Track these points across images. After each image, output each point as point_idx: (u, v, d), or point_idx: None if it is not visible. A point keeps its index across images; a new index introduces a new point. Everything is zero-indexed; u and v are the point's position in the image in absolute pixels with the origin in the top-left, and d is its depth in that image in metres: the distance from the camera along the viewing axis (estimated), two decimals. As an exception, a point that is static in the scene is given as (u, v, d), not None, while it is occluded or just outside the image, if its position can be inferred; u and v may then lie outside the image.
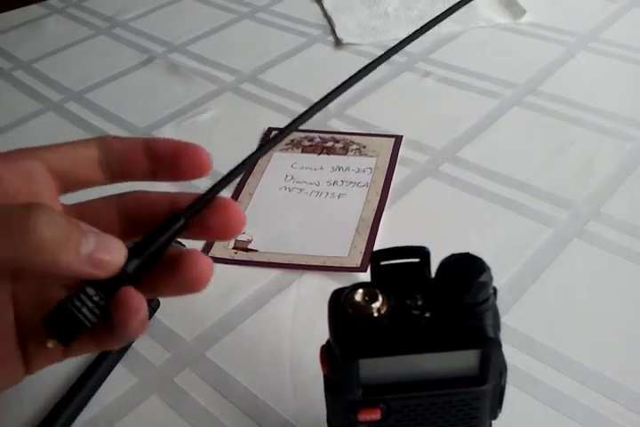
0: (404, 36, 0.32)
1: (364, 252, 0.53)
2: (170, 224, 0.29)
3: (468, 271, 0.28)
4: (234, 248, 0.55)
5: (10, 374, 0.31)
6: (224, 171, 0.29)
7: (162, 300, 0.50)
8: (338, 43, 0.84)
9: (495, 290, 0.30)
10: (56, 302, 0.28)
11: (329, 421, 0.35)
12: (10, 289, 0.30)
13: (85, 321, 0.28)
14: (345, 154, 0.64)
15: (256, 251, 0.55)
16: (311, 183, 0.61)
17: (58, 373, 0.46)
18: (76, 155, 0.31)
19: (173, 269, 0.29)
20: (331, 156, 0.64)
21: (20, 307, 0.31)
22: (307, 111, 0.30)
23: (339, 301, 0.29)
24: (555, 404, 0.42)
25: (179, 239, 0.48)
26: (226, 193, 0.30)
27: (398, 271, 0.31)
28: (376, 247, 0.53)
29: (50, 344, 0.28)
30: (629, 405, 0.42)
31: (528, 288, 0.49)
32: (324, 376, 0.32)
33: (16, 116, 0.75)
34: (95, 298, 0.28)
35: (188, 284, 0.29)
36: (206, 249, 0.55)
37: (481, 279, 0.28)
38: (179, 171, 0.31)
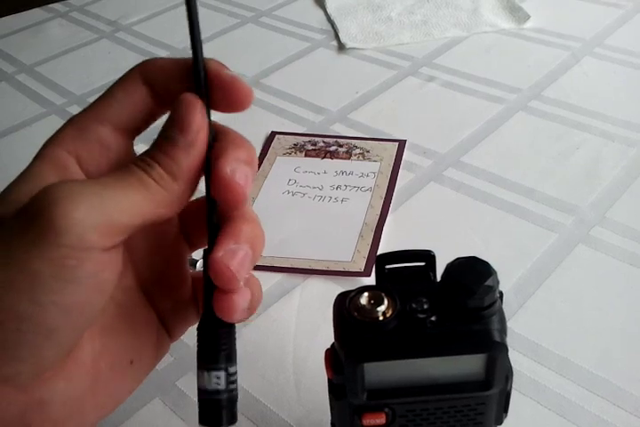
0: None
1: (368, 256, 0.53)
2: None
3: (474, 275, 0.28)
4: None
5: (161, 345, 0.34)
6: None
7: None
8: (341, 47, 0.84)
9: (501, 294, 0.30)
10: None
11: (333, 425, 0.35)
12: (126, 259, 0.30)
13: (236, 396, 0.29)
14: (348, 158, 0.64)
15: (259, 255, 0.54)
16: (314, 187, 0.61)
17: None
18: (132, 100, 0.29)
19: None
20: (334, 160, 0.64)
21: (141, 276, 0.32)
22: None
23: (344, 304, 0.29)
24: (560, 410, 0.42)
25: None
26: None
27: (403, 275, 0.31)
28: (379, 252, 0.53)
29: None
30: (635, 411, 0.41)
31: (533, 294, 0.49)
32: (329, 380, 0.32)
33: (19, 120, 0.75)
34: (229, 372, 0.28)
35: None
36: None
37: (487, 283, 0.28)
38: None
